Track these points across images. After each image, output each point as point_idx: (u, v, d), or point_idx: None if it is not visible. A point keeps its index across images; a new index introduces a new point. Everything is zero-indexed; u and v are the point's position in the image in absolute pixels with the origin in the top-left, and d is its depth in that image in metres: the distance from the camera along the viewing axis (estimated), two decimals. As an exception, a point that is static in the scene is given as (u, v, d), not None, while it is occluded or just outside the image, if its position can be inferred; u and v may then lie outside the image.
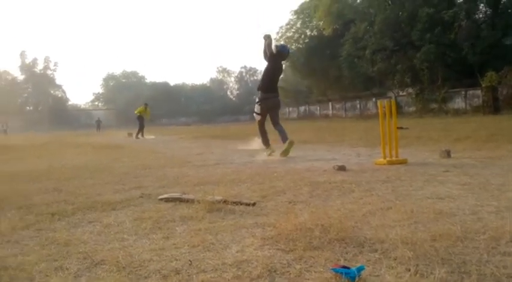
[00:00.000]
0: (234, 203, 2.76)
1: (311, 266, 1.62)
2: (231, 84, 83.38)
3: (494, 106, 23.29)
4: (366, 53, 30.79)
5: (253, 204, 2.74)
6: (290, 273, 1.57)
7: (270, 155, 6.21)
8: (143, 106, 18.14)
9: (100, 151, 9.34)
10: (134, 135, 17.31)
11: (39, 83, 64.88)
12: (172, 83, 75.50)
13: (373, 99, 33.51)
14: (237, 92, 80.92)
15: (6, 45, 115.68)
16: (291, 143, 6.00)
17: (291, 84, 46.40)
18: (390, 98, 28.66)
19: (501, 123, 11.47)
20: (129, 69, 76.90)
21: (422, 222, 2.15)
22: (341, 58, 33.62)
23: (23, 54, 65.75)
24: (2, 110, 55.01)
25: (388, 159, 4.59)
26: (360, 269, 1.49)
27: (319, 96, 42.82)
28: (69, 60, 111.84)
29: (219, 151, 7.80)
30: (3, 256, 1.94)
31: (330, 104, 40.23)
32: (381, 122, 4.79)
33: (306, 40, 42.02)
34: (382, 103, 4.96)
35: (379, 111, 4.95)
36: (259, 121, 6.54)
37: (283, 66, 8.08)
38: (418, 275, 1.48)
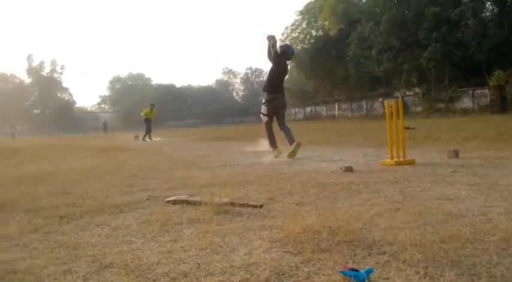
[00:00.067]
0: (241, 205, 2.76)
1: (319, 269, 1.62)
2: (236, 86, 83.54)
3: (502, 105, 23.12)
4: (372, 53, 30.71)
5: (261, 206, 2.73)
6: (298, 276, 1.56)
7: (277, 156, 6.20)
8: (149, 107, 18.11)
9: (107, 154, 9.38)
10: (141, 137, 17.36)
11: (46, 86, 65.39)
12: (178, 85, 75.80)
13: (380, 99, 33.42)
14: (243, 93, 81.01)
15: (13, 49, 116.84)
16: (298, 145, 5.99)
17: (297, 85, 46.36)
18: (397, 98, 28.54)
19: (509, 123, 11.38)
20: (135, 72, 77.15)
21: (431, 223, 2.13)
22: (347, 58, 33.57)
23: (29, 58, 66.36)
24: (9, 114, 55.55)
25: (395, 159, 4.56)
26: (368, 272, 1.48)
27: (325, 96, 42.75)
28: (75, 63, 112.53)
29: (225, 153, 7.81)
30: (12, 259, 1.96)
31: (336, 104, 40.16)
32: (388, 122, 4.77)
33: (312, 40, 41.99)
34: (389, 103, 4.94)
35: (386, 111, 4.93)
36: (266, 122, 6.53)
37: (288, 66, 8.07)
38: (427, 278, 1.46)
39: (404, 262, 1.62)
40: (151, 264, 1.78)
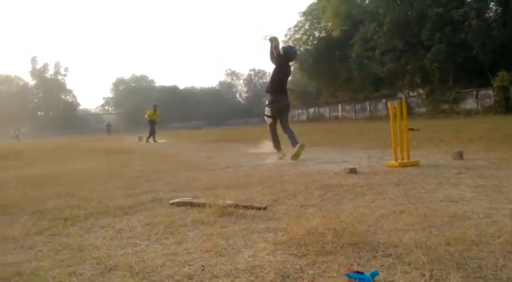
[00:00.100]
0: (245, 207, 2.76)
1: (324, 272, 1.61)
2: (239, 87, 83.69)
3: (506, 106, 23.01)
4: (375, 54, 30.67)
5: (265, 208, 2.73)
6: (303, 279, 1.56)
7: (280, 158, 6.20)
8: (152, 109, 18.11)
9: (111, 155, 9.40)
10: (145, 139, 17.39)
11: (50, 88, 65.71)
12: (181, 87, 75.95)
13: (383, 101, 33.37)
14: (246, 94, 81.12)
15: (17, 51, 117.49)
16: (302, 146, 5.98)
17: (300, 86, 46.37)
18: (400, 99, 28.42)
19: (514, 123, 11.32)
20: (138, 74, 77.38)
21: (436, 226, 2.12)
22: (350, 59, 33.54)
23: (33, 60, 66.70)
24: (14, 116, 55.83)
25: (399, 161, 4.54)
26: (374, 274, 1.48)
27: (329, 98, 42.73)
28: (79, 65, 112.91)
29: (229, 154, 7.81)
30: (17, 262, 1.96)
31: (340, 105, 40.12)
32: (392, 124, 4.76)
33: (315, 42, 42.00)
34: (393, 104, 4.93)
35: (390, 112, 4.92)
36: (270, 124, 6.53)
37: (292, 67, 8.06)
38: (433, 280, 1.46)
39: (410, 264, 1.61)
40: (156, 267, 1.78)
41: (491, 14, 29.04)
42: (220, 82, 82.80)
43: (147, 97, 59.93)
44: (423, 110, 28.66)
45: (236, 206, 2.76)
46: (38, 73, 66.57)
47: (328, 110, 42.25)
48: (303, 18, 42.75)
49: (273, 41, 6.52)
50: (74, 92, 71.35)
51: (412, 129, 8.93)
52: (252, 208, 2.74)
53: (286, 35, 42.87)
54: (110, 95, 76.81)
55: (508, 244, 1.78)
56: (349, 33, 35.15)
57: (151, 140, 16.90)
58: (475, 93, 26.12)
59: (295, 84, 43.88)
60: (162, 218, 2.66)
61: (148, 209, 3.03)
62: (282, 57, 6.46)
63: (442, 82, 27.52)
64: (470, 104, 26.36)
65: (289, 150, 6.21)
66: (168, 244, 2.11)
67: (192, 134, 24.77)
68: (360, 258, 1.73)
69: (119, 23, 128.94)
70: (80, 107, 73.39)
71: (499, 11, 28.76)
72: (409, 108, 26.01)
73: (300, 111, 46.28)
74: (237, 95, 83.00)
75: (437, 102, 27.86)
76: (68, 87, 69.78)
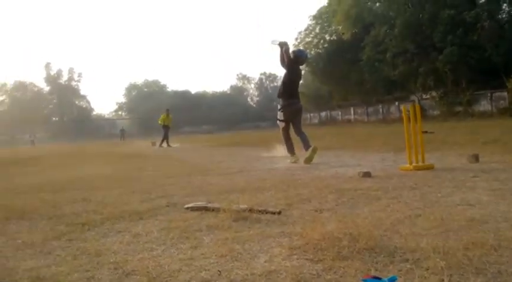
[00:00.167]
0: (259, 211, 2.76)
1: (341, 277, 1.60)
2: (251, 91, 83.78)
3: (521, 108, 22.67)
4: (386, 57, 30.50)
5: (279, 212, 2.73)
6: (320, 284, 1.56)
7: (294, 162, 6.19)
8: (165, 113, 18.21)
9: (125, 160, 9.50)
10: (158, 143, 17.52)
11: (64, 94, 66.81)
12: (193, 91, 76.41)
13: (396, 103, 33.12)
14: (257, 98, 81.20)
15: (31, 58, 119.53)
16: (315, 150, 5.96)
17: (312, 90, 46.23)
18: (413, 101, 28.23)
19: (530, 125, 11.14)
20: (150, 78, 78.08)
21: (454, 230, 2.10)
22: (361, 62, 33.38)
23: (48, 66, 67.88)
24: (29, 121, 56.81)
25: (414, 164, 4.51)
26: (392, 280, 1.46)
27: (340, 101, 42.52)
28: (92, 70, 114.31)
29: (242, 158, 7.83)
30: (36, 267, 1.99)
31: (352, 108, 39.91)
32: (406, 127, 4.73)
33: (325, 45, 41.91)
34: (406, 107, 4.90)
35: (403, 115, 4.89)
36: (283, 128, 6.53)
37: (302, 71, 8.05)
38: (452, 286, 1.45)
39: (428, 270, 1.60)
40: (173, 272, 1.79)
41: (503, 16, 28.66)
42: (231, 86, 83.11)
43: (160, 102, 60.32)
44: (436, 112, 28.36)
45: (250, 210, 2.76)
46: (52, 79, 67.68)
47: (340, 113, 42.07)
48: (313, 22, 42.73)
49: (283, 45, 6.50)
50: (88, 98, 72.47)
51: (427, 132, 8.82)
52: (267, 212, 2.74)
53: (296, 39, 42.98)
54: (123, 100, 77.64)
55: (528, 249, 1.75)
56: (360, 36, 34.99)
57: (164, 144, 17.01)
58: (489, 95, 25.79)
59: (307, 88, 43.78)
60: (177, 222, 2.67)
61: (164, 213, 3.05)
62: (293, 61, 6.46)
63: (456, 84, 27.20)
64: (484, 106, 26.03)
65: (301, 153, 6.20)
66: (184, 249, 2.12)
67: (204, 138, 24.87)
68: (377, 263, 1.72)
69: (131, 29, 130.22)
70: (94, 112, 74.42)
71: (511, 12, 28.39)
72: (423, 110, 25.73)
73: (311, 114, 46.15)
74: (249, 99, 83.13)
75: (451, 104, 27.56)
76: (82, 92, 71.01)
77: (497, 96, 25.23)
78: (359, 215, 2.57)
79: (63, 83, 68.38)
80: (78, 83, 69.95)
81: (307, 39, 42.80)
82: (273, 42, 6.61)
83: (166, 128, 17.40)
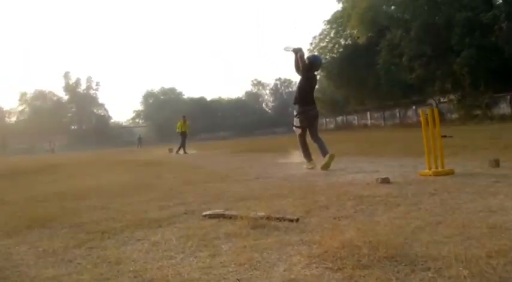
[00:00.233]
0: (277, 218, 2.75)
1: (362, 286, 1.59)
2: (266, 97, 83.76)
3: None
4: (403, 60, 30.17)
5: (297, 220, 2.72)
6: (340, 293, 1.54)
7: (311, 168, 6.16)
8: (182, 120, 18.34)
9: (143, 168, 9.59)
10: (175, 150, 17.65)
11: (83, 102, 68.02)
12: (208, 98, 76.79)
13: (413, 107, 32.76)
14: (272, 104, 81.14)
15: (51, 67, 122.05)
16: (332, 156, 5.92)
17: (327, 95, 46.03)
18: (431, 105, 27.89)
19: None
20: (167, 86, 78.79)
21: (476, 237, 2.06)
22: (377, 66, 33.11)
23: (66, 75, 69.20)
24: (49, 130, 57.91)
25: (433, 170, 4.44)
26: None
27: (357, 105, 42.23)
28: (110, 79, 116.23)
29: (258, 165, 7.82)
30: (58, 275, 2.02)
31: (368, 113, 39.61)
32: (424, 131, 4.67)
33: (340, 49, 41.73)
34: (424, 111, 4.83)
35: (422, 119, 4.82)
36: (299, 135, 6.51)
37: (318, 76, 8.02)
38: (476, 296, 1.42)
39: (450, 278, 1.57)
40: (192, 280, 1.79)
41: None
42: (246, 92, 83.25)
43: (176, 109, 60.79)
44: (455, 116, 27.94)
45: (268, 218, 2.75)
46: (71, 88, 68.96)
47: (356, 117, 41.80)
48: (327, 26, 42.59)
49: (298, 51, 6.47)
50: (106, 106, 73.54)
51: (445, 136, 8.69)
52: (284, 220, 2.73)
53: (311, 44, 42.88)
54: (140, 107, 78.47)
55: (555, 257, 1.71)
56: (375, 39, 34.72)
57: (181, 151, 17.12)
58: (508, 97, 25.29)
59: (323, 93, 43.62)
60: (195, 230, 2.68)
61: (182, 221, 3.06)
62: (308, 67, 6.44)
63: (474, 87, 26.73)
64: (503, 109, 25.54)
65: (318, 160, 6.16)
66: (203, 257, 2.12)
67: (221, 144, 24.96)
68: (398, 272, 1.69)
69: (148, 39, 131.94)
70: (112, 120, 75.37)
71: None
72: (441, 114, 25.36)
73: (328, 119, 45.93)
74: (264, 105, 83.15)
75: (470, 107, 27.10)
76: (100, 101, 72.07)
77: (517, 99, 24.74)
78: (378, 222, 2.54)
79: (81, 91, 69.65)
80: (96, 92, 71.23)
81: (322, 44, 42.70)
82: (286, 48, 6.59)
83: (183, 134, 17.53)
